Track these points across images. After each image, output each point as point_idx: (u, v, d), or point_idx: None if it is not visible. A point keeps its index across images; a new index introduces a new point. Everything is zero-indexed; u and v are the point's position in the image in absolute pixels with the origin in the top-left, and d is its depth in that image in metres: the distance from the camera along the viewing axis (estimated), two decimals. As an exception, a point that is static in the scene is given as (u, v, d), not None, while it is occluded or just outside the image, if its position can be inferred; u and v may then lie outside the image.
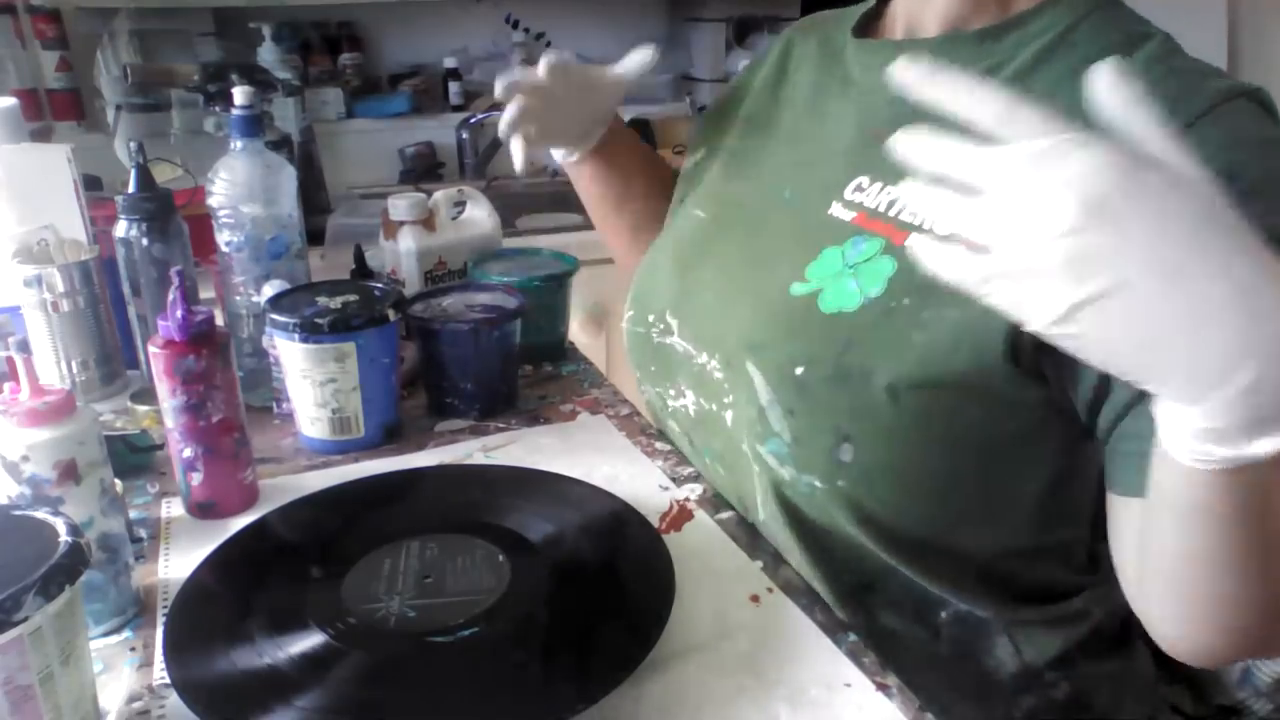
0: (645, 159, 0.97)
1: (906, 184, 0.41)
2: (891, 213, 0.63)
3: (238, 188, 0.87)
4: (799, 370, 0.61)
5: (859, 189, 0.66)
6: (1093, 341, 0.39)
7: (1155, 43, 0.59)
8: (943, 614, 0.65)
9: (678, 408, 0.77)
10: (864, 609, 0.65)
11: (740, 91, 0.87)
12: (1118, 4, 0.64)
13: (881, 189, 0.65)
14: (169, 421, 0.72)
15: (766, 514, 0.68)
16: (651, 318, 0.78)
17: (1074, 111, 0.56)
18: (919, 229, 0.60)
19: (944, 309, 0.57)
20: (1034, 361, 0.56)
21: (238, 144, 0.88)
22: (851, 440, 0.59)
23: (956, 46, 0.65)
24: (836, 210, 0.67)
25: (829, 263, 0.64)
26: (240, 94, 0.89)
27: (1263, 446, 0.39)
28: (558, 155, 0.93)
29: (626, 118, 2.33)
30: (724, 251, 0.75)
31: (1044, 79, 0.61)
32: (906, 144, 0.40)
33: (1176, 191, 0.37)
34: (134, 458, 0.82)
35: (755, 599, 0.64)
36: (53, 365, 0.92)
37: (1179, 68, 0.58)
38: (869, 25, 0.77)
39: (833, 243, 0.65)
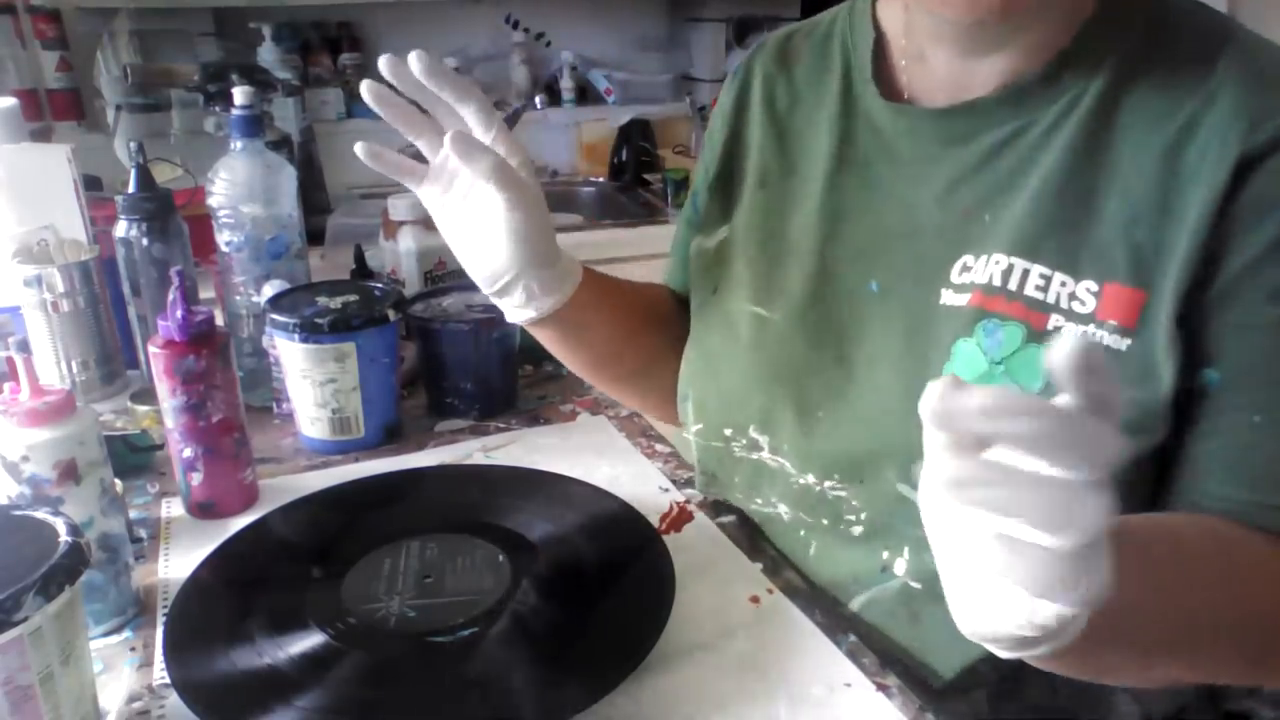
0: (624, 295, 0.78)
1: None
2: (1012, 286, 0.58)
3: (238, 188, 0.87)
4: None
5: (965, 269, 0.61)
6: None
7: (1235, 47, 0.56)
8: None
9: (769, 514, 0.71)
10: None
11: (729, 147, 0.76)
12: None
13: (989, 260, 0.60)
14: (169, 421, 0.72)
15: (873, 610, 0.64)
16: (729, 431, 0.70)
17: (1193, 126, 0.54)
18: (1057, 308, 0.57)
19: None
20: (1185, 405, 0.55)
21: (238, 144, 0.88)
22: None
23: (1022, 98, 0.60)
24: (948, 298, 0.61)
25: (969, 360, 0.59)
26: (240, 94, 0.89)
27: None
28: (518, 317, 0.73)
29: (627, 117, 2.37)
30: (817, 361, 0.67)
31: (1132, 98, 0.57)
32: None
33: None
34: (134, 458, 0.82)
35: (755, 600, 0.64)
36: (53, 365, 0.92)
37: (1268, 73, 0.55)
38: (881, 74, 0.67)
39: (961, 334, 0.60)
